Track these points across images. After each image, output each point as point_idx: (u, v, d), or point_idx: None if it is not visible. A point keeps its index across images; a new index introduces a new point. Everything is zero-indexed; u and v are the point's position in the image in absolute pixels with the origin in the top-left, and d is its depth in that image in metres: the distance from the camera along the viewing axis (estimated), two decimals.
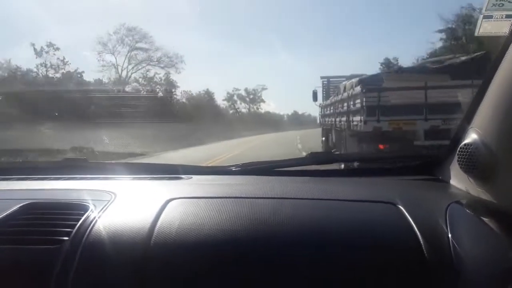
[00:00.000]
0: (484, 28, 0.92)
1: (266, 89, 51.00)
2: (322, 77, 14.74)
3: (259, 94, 50.27)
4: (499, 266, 0.77)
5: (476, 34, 0.93)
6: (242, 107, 53.37)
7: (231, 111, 52.41)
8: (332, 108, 11.07)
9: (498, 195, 0.98)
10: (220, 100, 45.96)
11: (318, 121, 15.28)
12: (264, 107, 57.24)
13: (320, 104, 14.02)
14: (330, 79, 14.17)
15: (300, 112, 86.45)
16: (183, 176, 1.35)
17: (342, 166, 1.48)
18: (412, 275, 0.80)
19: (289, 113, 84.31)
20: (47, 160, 1.63)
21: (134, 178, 1.35)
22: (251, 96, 52.79)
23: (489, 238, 0.84)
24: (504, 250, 0.80)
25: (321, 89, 14.46)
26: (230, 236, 0.86)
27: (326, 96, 13.79)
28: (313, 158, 1.41)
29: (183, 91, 35.60)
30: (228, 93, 53.63)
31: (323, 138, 12.84)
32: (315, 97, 14.03)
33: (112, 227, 0.89)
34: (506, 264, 0.77)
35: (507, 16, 0.90)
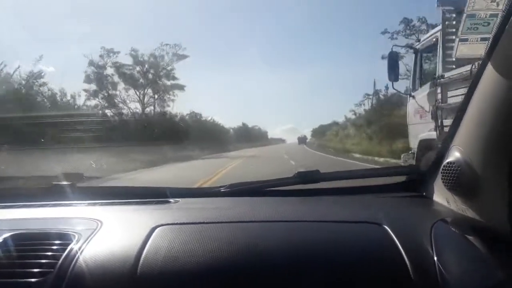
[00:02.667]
0: (461, 50, 0.97)
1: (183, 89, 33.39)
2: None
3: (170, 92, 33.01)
4: (484, 284, 0.78)
5: (453, 56, 0.97)
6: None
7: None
8: None
9: (482, 212, 0.99)
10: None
11: (410, 120, 7.05)
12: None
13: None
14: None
15: (250, 125, 79.14)
16: (170, 199, 1.34)
17: (329, 184, 1.49)
18: None
19: (236, 126, 72.22)
20: (33, 187, 1.60)
21: (121, 203, 1.33)
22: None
23: (473, 257, 0.85)
24: (489, 268, 0.81)
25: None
26: (218, 263, 0.84)
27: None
28: (301, 177, 1.42)
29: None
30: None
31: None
32: (394, 69, 6.53)
33: (98, 257, 0.87)
34: (490, 282, 0.78)
35: (482, 39, 0.94)
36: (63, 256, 0.87)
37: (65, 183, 1.49)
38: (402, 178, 1.47)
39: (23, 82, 20.79)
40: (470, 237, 0.90)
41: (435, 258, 0.83)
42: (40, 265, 0.86)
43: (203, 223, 1.03)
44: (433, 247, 0.86)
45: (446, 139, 1.14)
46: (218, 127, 49.24)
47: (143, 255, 0.87)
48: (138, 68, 32.55)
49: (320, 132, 65.34)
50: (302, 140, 70.28)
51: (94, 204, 1.32)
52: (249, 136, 71.94)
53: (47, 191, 1.45)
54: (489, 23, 0.83)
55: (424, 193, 1.31)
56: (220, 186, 1.45)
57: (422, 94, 6.16)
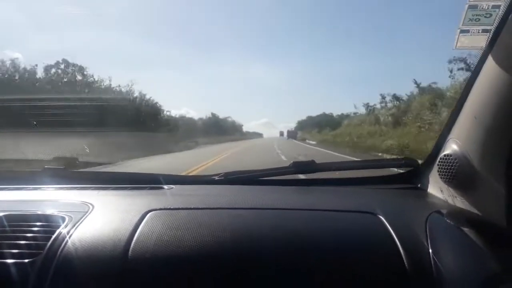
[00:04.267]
0: (462, 42, 0.95)
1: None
2: None
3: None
4: (479, 276, 0.78)
5: (453, 48, 0.96)
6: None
7: None
8: None
9: (477, 204, 1.00)
10: None
11: None
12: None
13: None
14: None
15: (221, 116, 69.09)
16: (164, 186, 1.33)
17: (325, 175, 1.48)
18: (392, 286, 0.80)
19: (205, 117, 63.64)
20: (26, 170, 1.58)
21: (114, 189, 1.32)
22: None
23: (468, 248, 0.85)
24: (483, 260, 0.81)
25: None
26: (210, 249, 0.84)
27: None
28: (296, 167, 1.41)
29: None
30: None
31: None
32: None
33: (88, 240, 0.87)
34: (485, 273, 0.78)
35: (484, 31, 0.93)
36: (52, 238, 0.87)
37: (57, 167, 1.48)
38: (397, 170, 1.47)
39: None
40: (465, 229, 0.90)
41: (430, 250, 0.83)
42: (30, 246, 0.85)
43: (196, 208, 1.02)
44: (428, 238, 0.86)
45: (444, 131, 1.14)
46: (172, 118, 35.74)
47: (134, 239, 0.86)
48: None
49: (310, 124, 59.75)
50: (291, 134, 58.83)
51: (87, 188, 1.31)
52: (221, 129, 60.97)
53: (39, 175, 1.43)
54: (491, 15, 0.81)
55: (419, 185, 1.32)
56: (215, 174, 1.44)
57: None
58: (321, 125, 51.16)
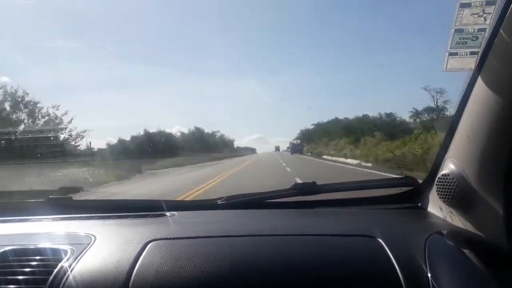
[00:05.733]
0: (451, 64, 0.98)
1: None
2: None
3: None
4: None
5: (443, 70, 0.99)
6: None
7: None
8: None
9: (477, 224, 1.00)
10: None
11: None
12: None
13: None
14: None
15: (206, 131, 55.23)
16: (166, 213, 1.34)
17: (326, 196, 1.49)
18: None
19: (186, 131, 51.77)
20: (30, 200, 1.60)
21: (117, 217, 1.33)
22: None
23: (468, 271, 0.85)
24: (483, 282, 0.81)
25: None
26: (210, 280, 0.84)
27: None
28: (298, 189, 1.42)
29: None
30: None
31: None
32: None
33: (90, 273, 0.87)
34: None
35: (472, 53, 0.96)
36: (54, 272, 0.87)
37: (61, 196, 1.50)
38: (398, 190, 1.48)
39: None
40: (465, 251, 0.90)
41: (429, 274, 0.83)
42: (32, 281, 0.86)
43: (197, 237, 1.02)
44: (427, 261, 0.86)
45: (441, 151, 1.15)
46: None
47: (134, 271, 0.87)
48: None
49: (318, 133, 45.85)
50: (296, 147, 46.77)
51: (90, 218, 1.32)
52: (207, 145, 49.80)
53: (44, 205, 1.45)
54: (477, 37, 0.84)
55: (419, 204, 1.32)
56: (218, 198, 1.45)
57: None
58: (333, 133, 37.75)
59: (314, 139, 47.69)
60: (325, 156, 27.89)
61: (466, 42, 0.96)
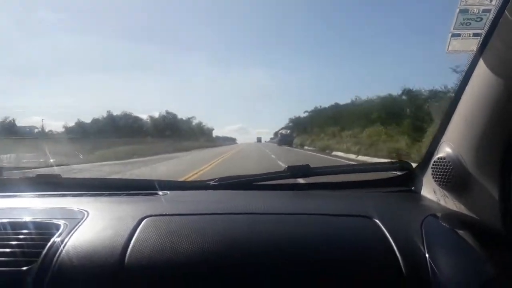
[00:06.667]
0: (453, 46, 0.96)
1: None
2: None
3: None
4: (476, 279, 0.78)
5: (446, 51, 0.97)
6: None
7: None
8: None
9: (471, 207, 1.00)
10: None
11: None
12: None
13: None
14: None
15: (180, 116, 49.00)
16: (159, 192, 1.32)
17: (320, 179, 1.49)
18: None
19: (158, 116, 45.84)
20: (19, 177, 1.56)
21: (109, 195, 1.31)
22: None
23: (464, 252, 0.85)
24: (480, 263, 0.82)
25: None
26: (206, 255, 0.84)
27: None
28: (291, 171, 1.41)
29: None
30: None
31: None
32: None
33: (84, 247, 0.86)
34: (482, 277, 0.78)
35: (475, 35, 0.94)
36: (47, 246, 0.86)
37: (50, 173, 1.47)
38: (392, 174, 1.48)
39: None
40: (460, 232, 0.91)
41: (427, 254, 0.83)
42: (25, 254, 0.84)
43: (191, 214, 1.02)
44: (424, 242, 0.86)
45: (437, 134, 1.15)
46: None
47: (130, 246, 0.86)
48: None
49: (317, 121, 37.96)
50: (285, 138, 40.57)
51: (81, 195, 1.30)
52: (179, 132, 44.55)
53: (33, 182, 1.42)
54: (481, 19, 0.82)
55: (413, 188, 1.32)
56: (210, 180, 1.44)
57: None
58: (335, 121, 30.94)
59: (307, 129, 40.62)
60: (339, 153, 19.83)
61: (470, 23, 0.94)
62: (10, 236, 0.91)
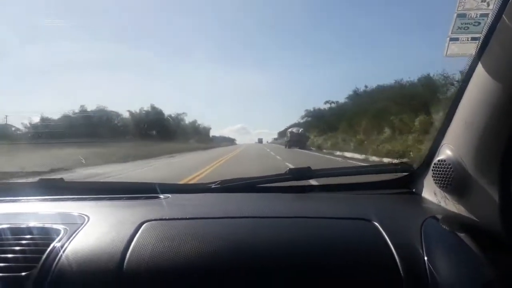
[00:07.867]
0: (452, 49, 0.97)
1: None
2: None
3: None
4: (474, 283, 0.78)
5: (444, 55, 0.98)
6: None
7: None
8: None
9: (472, 209, 1.01)
10: None
11: None
12: None
13: None
14: None
15: (168, 113, 42.90)
16: (160, 195, 1.33)
17: (321, 181, 1.49)
18: None
19: (139, 111, 38.92)
20: (21, 181, 1.58)
21: (110, 199, 1.32)
22: None
23: (463, 255, 0.85)
24: (478, 266, 0.82)
25: None
26: (206, 259, 0.84)
27: None
28: (292, 174, 1.42)
29: None
30: None
31: None
32: None
33: (83, 252, 0.87)
34: (480, 280, 0.79)
35: (473, 39, 0.95)
36: (47, 251, 0.87)
37: (53, 177, 1.48)
38: (393, 175, 1.49)
39: None
40: (460, 235, 0.91)
41: (425, 257, 0.83)
42: (25, 260, 0.85)
43: (191, 218, 1.02)
44: (423, 245, 0.87)
45: (437, 137, 1.15)
46: None
47: (129, 251, 0.86)
48: None
49: (338, 118, 28.67)
50: (295, 138, 31.38)
51: (82, 199, 1.31)
52: (166, 130, 38.38)
53: (35, 186, 1.43)
54: (479, 23, 0.83)
55: (413, 190, 1.33)
56: (211, 182, 1.45)
57: None
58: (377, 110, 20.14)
59: (332, 126, 30.19)
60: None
61: (468, 28, 0.94)
62: (11, 242, 0.91)
